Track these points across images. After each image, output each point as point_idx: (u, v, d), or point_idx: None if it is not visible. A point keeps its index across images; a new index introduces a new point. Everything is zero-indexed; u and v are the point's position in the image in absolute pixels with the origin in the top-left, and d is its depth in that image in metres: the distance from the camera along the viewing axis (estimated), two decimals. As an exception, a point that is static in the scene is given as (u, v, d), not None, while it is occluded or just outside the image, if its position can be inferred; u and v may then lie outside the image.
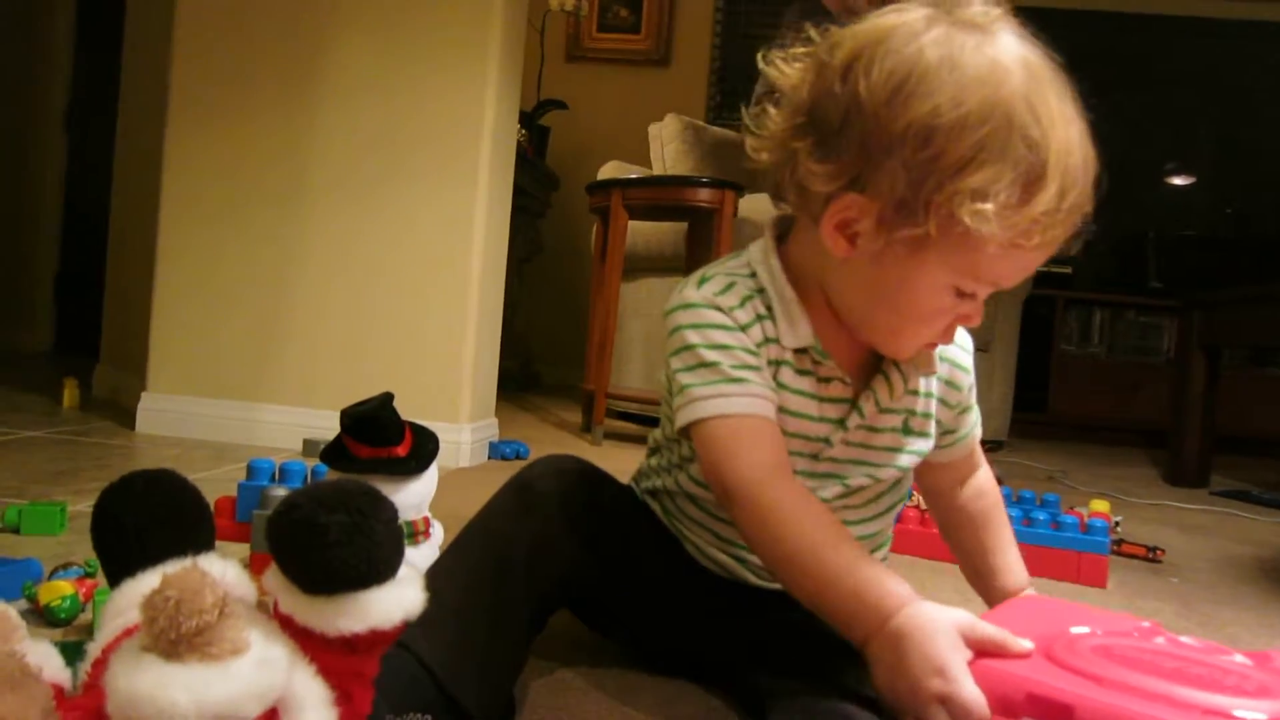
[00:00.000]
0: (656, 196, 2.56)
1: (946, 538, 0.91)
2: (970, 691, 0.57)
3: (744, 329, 0.74)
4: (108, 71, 2.84)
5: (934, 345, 0.75)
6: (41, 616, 0.87)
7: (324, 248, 2.03)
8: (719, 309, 0.74)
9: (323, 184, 2.03)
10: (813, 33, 0.71)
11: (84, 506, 1.32)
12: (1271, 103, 4.05)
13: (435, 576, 0.72)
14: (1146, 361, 3.87)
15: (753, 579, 0.81)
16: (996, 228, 0.62)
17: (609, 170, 3.19)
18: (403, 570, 0.51)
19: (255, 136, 2.04)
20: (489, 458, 2.11)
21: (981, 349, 3.35)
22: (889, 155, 0.64)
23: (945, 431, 0.84)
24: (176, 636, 0.39)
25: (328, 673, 0.48)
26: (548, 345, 4.29)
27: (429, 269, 2.00)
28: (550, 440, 2.51)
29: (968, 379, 0.83)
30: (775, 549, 0.69)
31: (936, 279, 0.68)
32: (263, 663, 0.41)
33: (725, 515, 0.78)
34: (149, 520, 0.56)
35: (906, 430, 0.80)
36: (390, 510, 0.51)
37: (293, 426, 1.98)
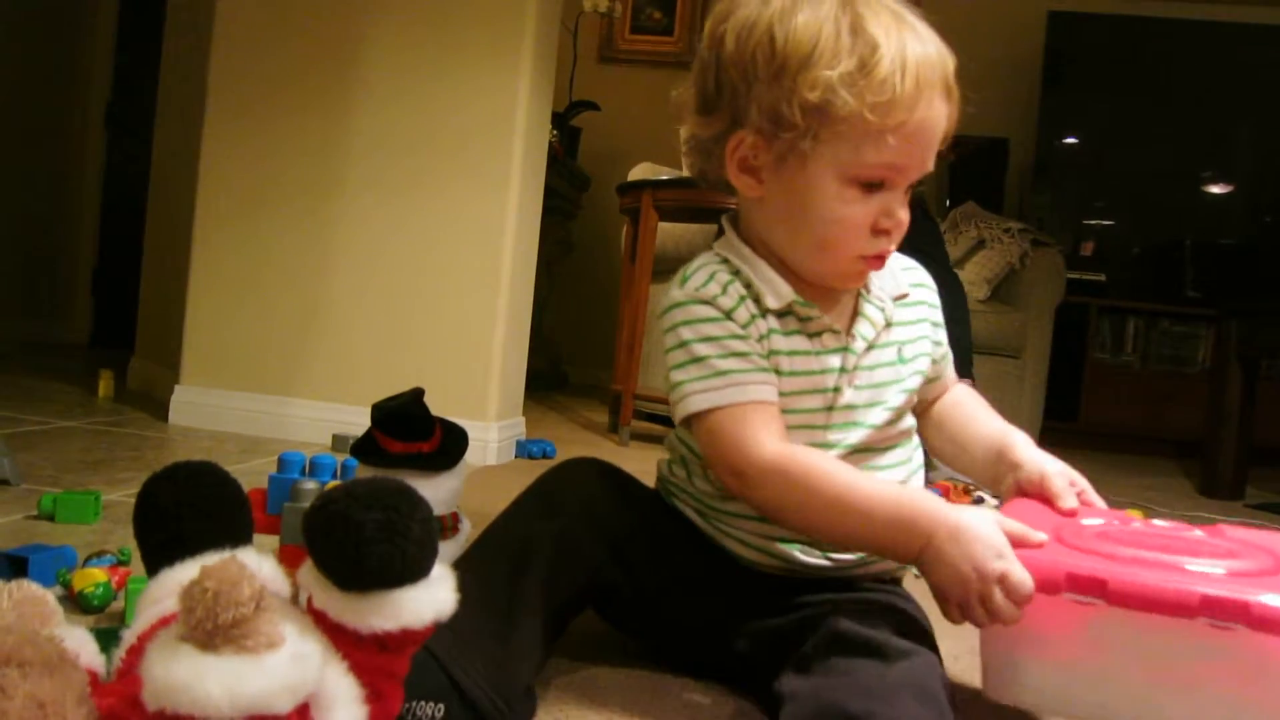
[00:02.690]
0: (687, 198, 2.55)
1: (940, 455, 0.94)
2: (1022, 569, 0.66)
3: (729, 314, 0.78)
4: (148, 68, 2.87)
5: (875, 258, 0.79)
6: (75, 603, 0.88)
7: (356, 245, 2.05)
8: (704, 301, 0.79)
9: (356, 182, 2.05)
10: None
11: (117, 496, 1.34)
12: (1314, 110, 3.98)
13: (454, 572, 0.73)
14: (1181, 371, 3.82)
15: (801, 556, 0.82)
16: (847, 95, 0.71)
17: (640, 171, 3.19)
18: (435, 570, 0.51)
19: (290, 134, 2.07)
20: (516, 456, 2.11)
21: (1013, 355, 3.32)
22: (750, 85, 0.76)
23: (923, 356, 0.88)
24: (213, 628, 0.39)
25: (359, 670, 0.48)
26: (576, 346, 4.30)
27: (459, 268, 2.01)
28: (578, 440, 2.51)
29: (929, 294, 0.90)
30: (810, 504, 0.74)
31: (831, 172, 0.75)
32: (297, 657, 0.41)
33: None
34: (190, 511, 0.57)
35: (901, 360, 0.85)
36: (425, 510, 0.51)
37: (322, 422, 2.00)
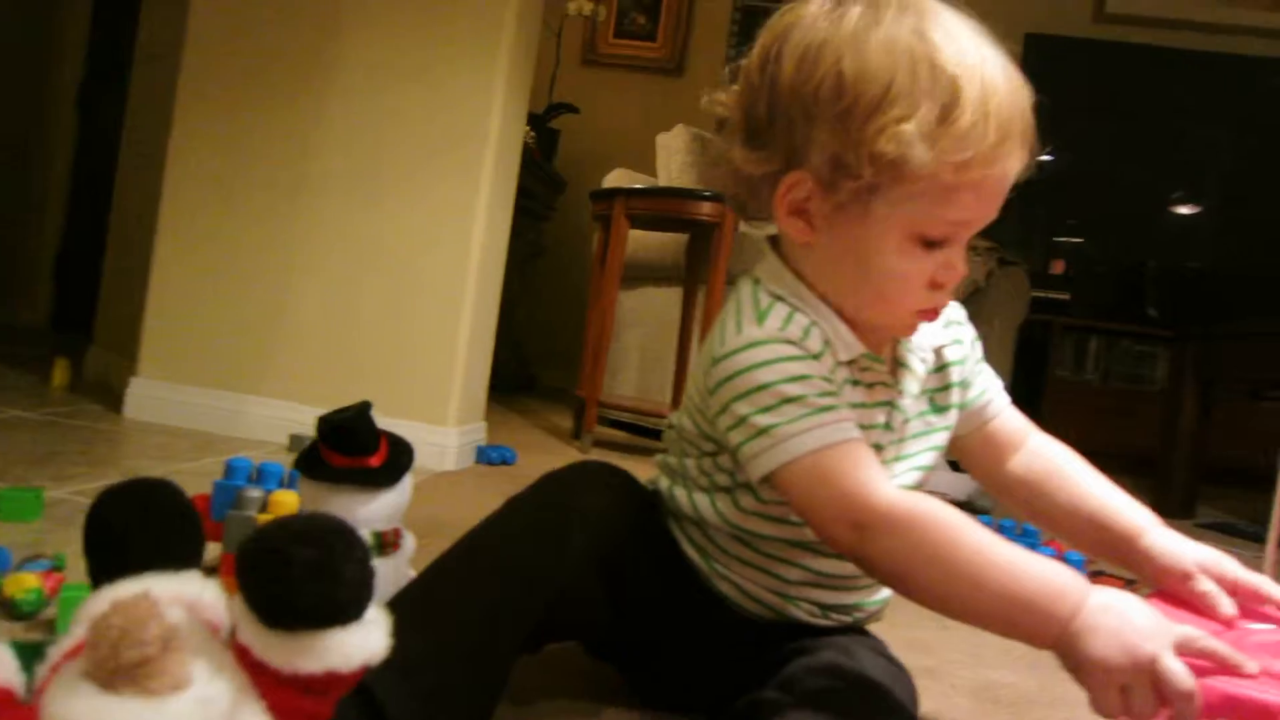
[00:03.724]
0: (659, 207, 2.56)
1: (1039, 522, 0.84)
2: (1178, 661, 0.57)
3: (817, 358, 0.71)
4: (123, 49, 2.83)
5: (930, 312, 0.74)
6: (4, 609, 0.87)
7: (323, 241, 2.03)
8: (790, 342, 0.70)
9: (326, 177, 2.03)
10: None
11: (62, 493, 1.33)
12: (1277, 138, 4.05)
13: (429, 601, 0.68)
14: (1140, 390, 3.88)
15: (804, 617, 0.79)
16: (923, 150, 0.64)
17: (614, 178, 3.19)
18: (370, 613, 0.50)
19: (262, 126, 2.05)
20: (476, 462, 2.11)
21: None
22: (811, 122, 0.68)
23: (962, 385, 0.82)
24: (115, 667, 0.39)
25: (279, 711, 0.47)
26: (546, 348, 4.29)
27: (426, 270, 2.00)
28: (540, 446, 2.51)
29: (967, 332, 0.84)
30: (944, 560, 0.63)
31: (895, 228, 0.68)
32: (201, 701, 0.41)
33: (786, 556, 0.76)
34: (140, 529, 0.56)
35: (934, 408, 0.80)
36: (363, 551, 0.50)
37: (281, 421, 1.98)
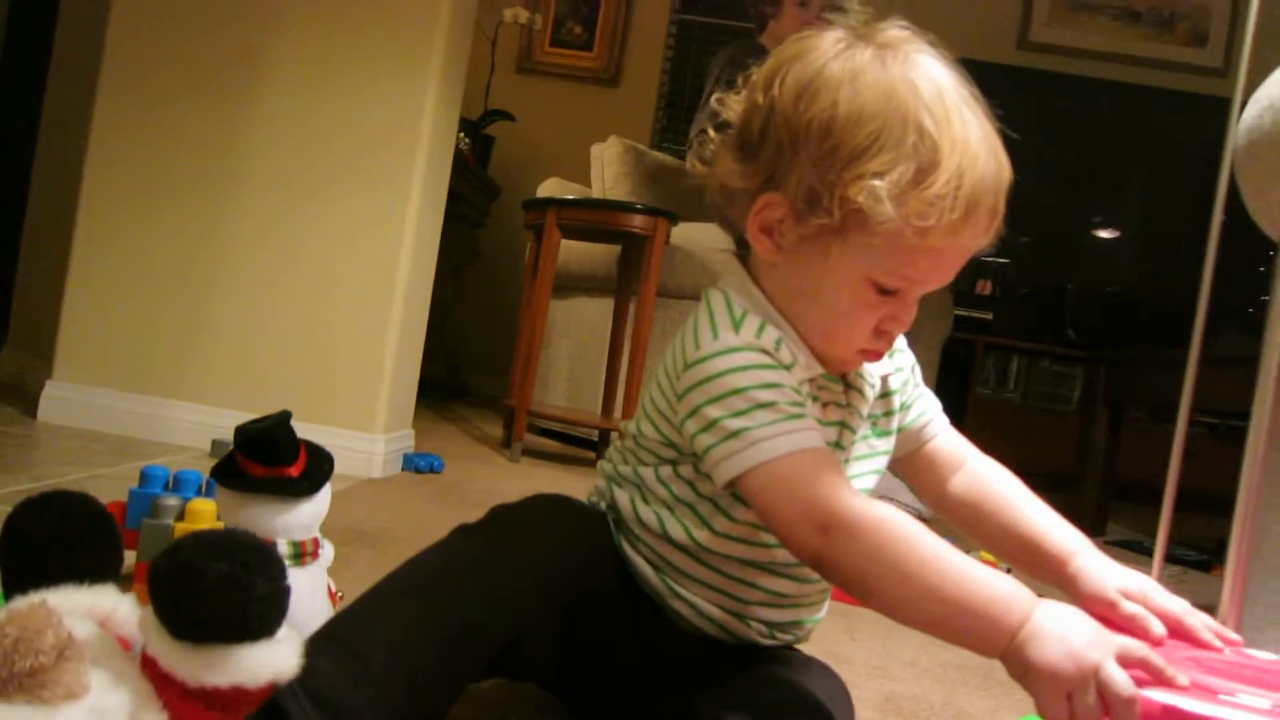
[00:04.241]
0: (591, 219, 2.58)
1: (979, 542, 0.87)
2: (1121, 672, 0.59)
3: (788, 369, 0.72)
4: (42, 36, 2.75)
5: (872, 353, 0.76)
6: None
7: (247, 244, 2.01)
8: (764, 351, 0.72)
9: (252, 178, 2.01)
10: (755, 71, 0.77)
11: (-30, 500, 1.29)
12: (1194, 169, 4.22)
13: (391, 639, 0.64)
14: (1057, 409, 4.00)
15: (755, 637, 0.80)
16: (889, 207, 0.66)
17: (548, 188, 3.20)
18: (283, 631, 0.51)
19: (186, 124, 2.01)
20: (403, 469, 2.10)
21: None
22: (797, 151, 0.71)
23: (903, 408, 0.85)
24: (8, 675, 0.39)
25: (182, 725, 0.47)
26: (478, 355, 4.27)
27: (354, 274, 1.99)
28: (468, 454, 2.50)
29: (907, 359, 0.87)
30: (904, 564, 0.64)
31: (851, 272, 0.71)
32: (95, 711, 0.41)
33: (745, 577, 0.77)
34: (56, 542, 0.56)
35: (877, 432, 0.82)
36: (278, 568, 0.50)
37: (203, 426, 1.95)
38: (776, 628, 0.82)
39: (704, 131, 0.80)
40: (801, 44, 0.74)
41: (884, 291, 0.71)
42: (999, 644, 0.62)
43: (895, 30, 0.73)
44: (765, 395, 0.69)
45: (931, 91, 0.69)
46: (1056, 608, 0.63)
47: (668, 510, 0.79)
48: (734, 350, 0.72)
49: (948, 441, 0.88)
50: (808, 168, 0.70)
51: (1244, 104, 1.11)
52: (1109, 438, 2.81)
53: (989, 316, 4.08)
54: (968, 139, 0.68)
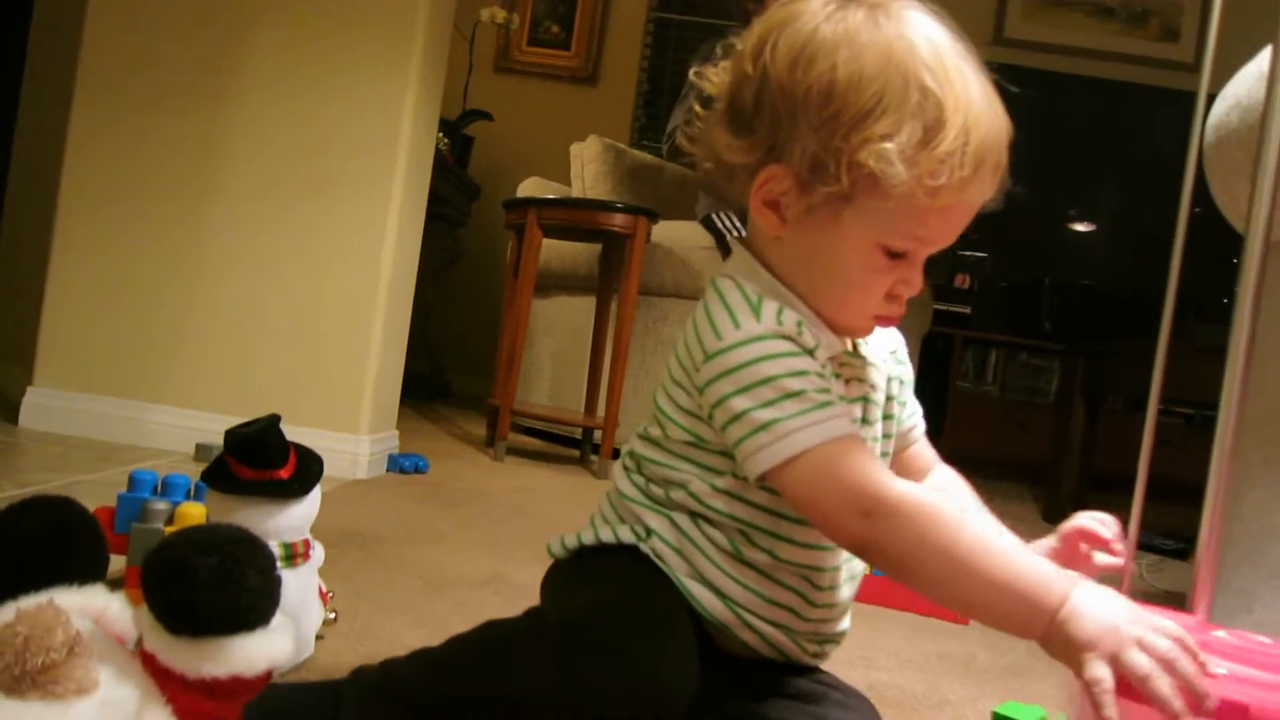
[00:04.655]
0: (571, 218, 2.59)
1: None
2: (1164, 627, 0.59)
3: (811, 353, 0.70)
4: (14, 50, 2.73)
5: (886, 319, 0.75)
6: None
7: (228, 246, 2.01)
8: (788, 337, 0.70)
9: (230, 181, 2.01)
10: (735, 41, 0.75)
11: (-44, 507, 1.29)
12: (1168, 163, 4.28)
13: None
14: (1035, 402, 4.05)
15: (810, 659, 0.79)
16: (901, 169, 0.65)
17: (528, 187, 3.21)
18: (277, 620, 0.52)
19: (163, 128, 2.01)
20: (388, 470, 2.10)
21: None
22: (796, 120, 0.69)
23: (900, 403, 0.84)
24: (21, 673, 0.40)
25: (185, 715, 0.49)
26: (461, 354, 4.27)
27: (336, 275, 1.99)
28: (453, 454, 2.51)
29: (906, 357, 0.86)
30: (952, 548, 0.64)
31: (863, 238, 0.70)
32: (107, 704, 0.42)
33: (805, 586, 0.75)
34: (42, 546, 0.57)
35: (886, 415, 0.81)
36: (268, 559, 0.52)
37: (187, 430, 1.95)
38: (826, 641, 0.81)
39: (691, 111, 0.78)
40: (789, 9, 0.72)
41: (893, 255, 0.71)
42: (1039, 625, 0.62)
43: None
44: (794, 384, 0.68)
45: (929, 49, 0.68)
46: (1094, 588, 0.63)
47: (727, 528, 0.75)
48: (759, 338, 0.70)
49: (924, 448, 0.89)
50: (810, 136, 0.68)
51: (1209, 100, 1.13)
52: (1086, 429, 2.84)
53: (967, 310, 4.12)
54: (969, 95, 0.68)
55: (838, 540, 0.70)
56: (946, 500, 0.67)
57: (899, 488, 0.66)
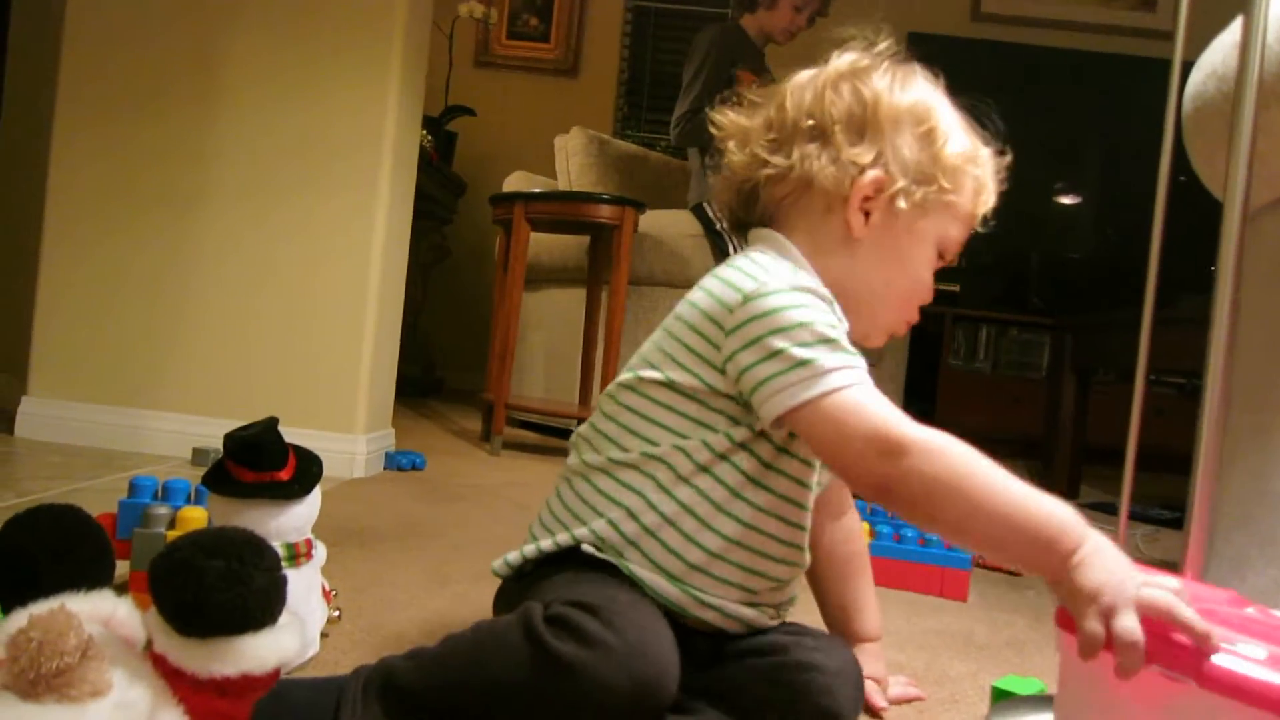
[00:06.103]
0: (559, 211, 2.59)
1: (812, 579, 0.96)
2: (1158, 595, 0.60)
3: (831, 308, 0.78)
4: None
5: (900, 328, 0.87)
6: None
7: (217, 251, 2.00)
8: (824, 299, 0.77)
9: (217, 185, 2.00)
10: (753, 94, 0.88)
11: (-45, 520, 1.29)
12: (1150, 133, 4.29)
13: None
14: (1026, 377, 4.07)
15: (766, 620, 0.82)
16: (974, 175, 0.83)
17: (514, 182, 3.21)
18: (284, 618, 0.53)
19: (148, 133, 2.00)
20: (385, 468, 2.11)
21: (872, 362, 3.47)
22: (898, 133, 0.81)
23: None
24: (36, 677, 0.41)
25: (196, 714, 0.50)
26: (452, 351, 4.28)
27: (326, 276, 2.00)
28: (450, 450, 2.51)
29: None
30: (972, 484, 0.67)
31: (930, 243, 0.83)
32: (121, 706, 0.43)
33: (769, 557, 0.79)
34: (48, 554, 0.58)
35: None
36: (273, 559, 0.53)
37: (183, 435, 1.95)
38: (782, 608, 0.85)
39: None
40: (857, 64, 0.85)
41: (938, 260, 0.85)
42: (1053, 566, 0.65)
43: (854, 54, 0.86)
44: (830, 333, 0.73)
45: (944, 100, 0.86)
46: (1104, 541, 0.65)
47: (708, 476, 0.77)
48: (801, 290, 0.75)
49: (842, 488, 0.94)
50: (913, 145, 0.82)
51: (1185, 69, 1.14)
52: (1078, 402, 2.86)
53: (956, 289, 4.14)
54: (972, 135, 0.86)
55: (858, 484, 0.73)
56: (965, 445, 0.70)
57: (921, 431, 0.69)
